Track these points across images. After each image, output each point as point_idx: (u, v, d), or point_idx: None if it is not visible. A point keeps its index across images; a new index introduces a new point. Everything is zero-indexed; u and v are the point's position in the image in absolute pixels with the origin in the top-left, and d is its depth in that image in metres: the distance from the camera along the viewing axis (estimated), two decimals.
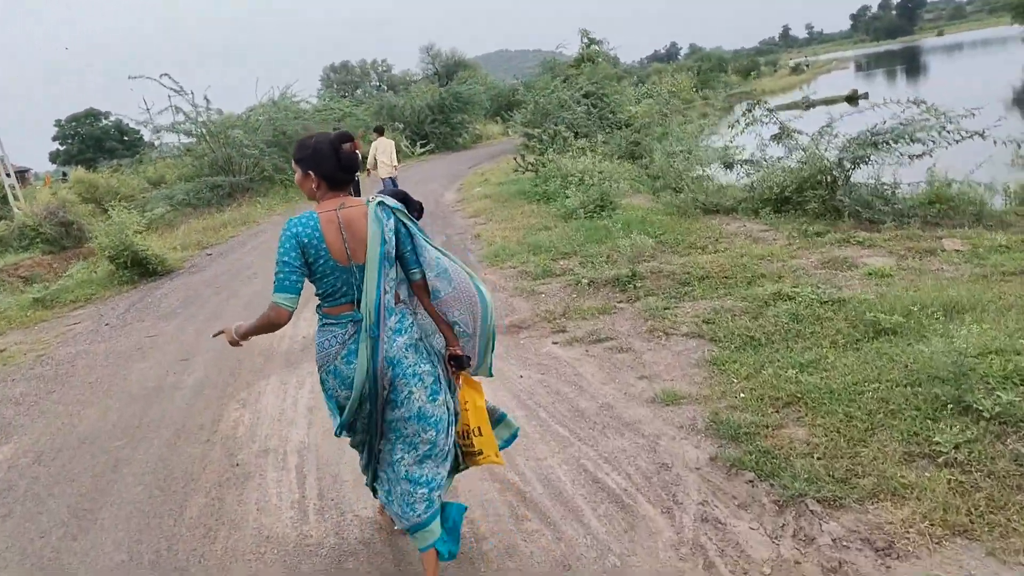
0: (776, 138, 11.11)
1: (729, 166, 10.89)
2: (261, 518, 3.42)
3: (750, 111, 10.57)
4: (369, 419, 2.53)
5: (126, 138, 53.64)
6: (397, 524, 2.69)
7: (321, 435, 4.21)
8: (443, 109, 28.92)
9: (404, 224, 2.52)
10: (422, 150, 27.76)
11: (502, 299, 6.58)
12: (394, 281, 2.52)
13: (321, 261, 2.39)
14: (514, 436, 3.00)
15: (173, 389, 5.43)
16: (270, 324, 2.41)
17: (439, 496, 2.63)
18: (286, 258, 2.37)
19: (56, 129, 55.41)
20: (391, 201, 2.54)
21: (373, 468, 2.68)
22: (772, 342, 4.55)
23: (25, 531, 3.60)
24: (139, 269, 10.37)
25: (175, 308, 8.26)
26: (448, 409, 2.64)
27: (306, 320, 6.69)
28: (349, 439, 2.70)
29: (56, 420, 5.11)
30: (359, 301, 2.43)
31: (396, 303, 2.52)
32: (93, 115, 55.05)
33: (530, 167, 13.67)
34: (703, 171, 11.11)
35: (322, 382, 2.55)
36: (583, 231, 8.61)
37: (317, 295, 2.51)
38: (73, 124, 55.00)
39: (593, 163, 12.44)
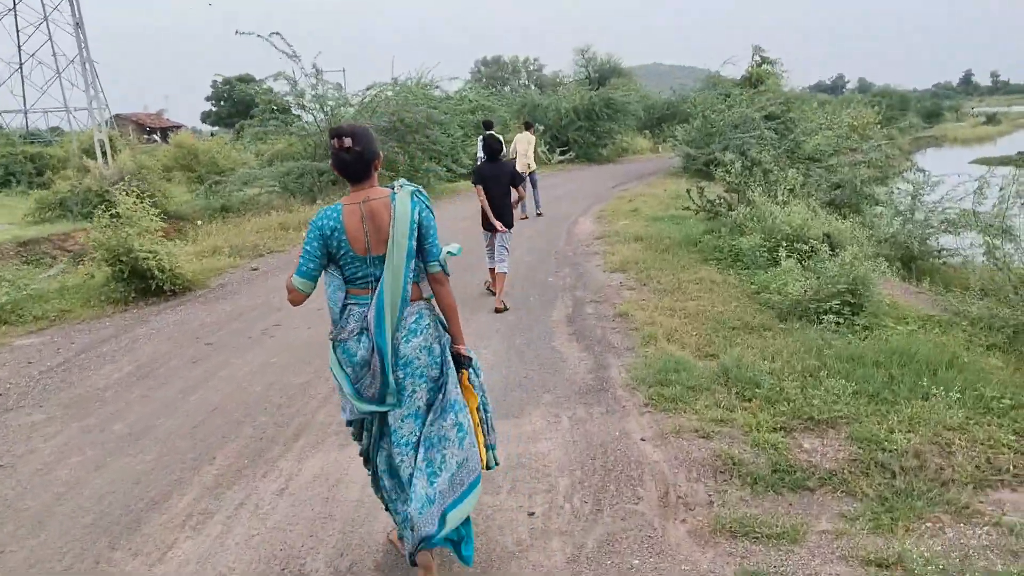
0: None
1: None
2: None
3: None
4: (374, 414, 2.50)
5: (274, 106, 53.13)
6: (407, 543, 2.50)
7: None
8: (591, 115, 24.88)
9: (429, 213, 2.50)
10: (561, 158, 23.87)
11: None
12: (414, 273, 2.46)
13: (343, 251, 2.41)
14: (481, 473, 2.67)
15: None
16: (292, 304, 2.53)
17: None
18: (308, 248, 2.43)
19: (212, 90, 55.86)
20: (420, 192, 2.50)
21: (374, 470, 2.58)
22: None
23: None
24: (140, 283, 7.29)
25: (115, 382, 4.93)
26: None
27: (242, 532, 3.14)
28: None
29: None
30: (376, 290, 2.41)
31: (418, 299, 2.53)
32: (246, 79, 55.13)
33: (708, 207, 9.58)
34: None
35: (333, 354, 2.50)
36: (838, 363, 4.52)
37: (344, 277, 2.50)
38: (227, 87, 55.23)
39: (812, 215, 8.26)
